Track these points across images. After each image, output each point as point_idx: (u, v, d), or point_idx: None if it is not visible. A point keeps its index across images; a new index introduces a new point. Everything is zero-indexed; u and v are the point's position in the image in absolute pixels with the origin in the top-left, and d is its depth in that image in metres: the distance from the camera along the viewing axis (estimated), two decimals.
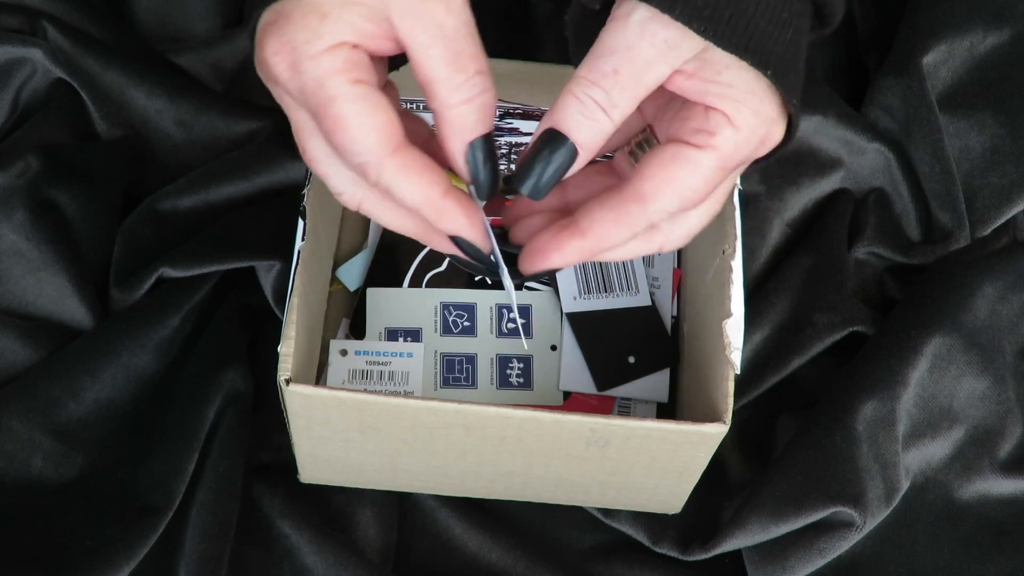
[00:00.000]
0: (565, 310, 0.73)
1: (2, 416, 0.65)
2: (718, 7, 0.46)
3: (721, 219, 0.62)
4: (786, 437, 0.70)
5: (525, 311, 0.74)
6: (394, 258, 0.75)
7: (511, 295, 0.53)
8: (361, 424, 0.60)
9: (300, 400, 0.58)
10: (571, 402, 0.72)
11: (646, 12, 0.46)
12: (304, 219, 0.61)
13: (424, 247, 0.75)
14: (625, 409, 0.72)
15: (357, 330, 0.73)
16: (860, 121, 0.77)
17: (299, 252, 0.60)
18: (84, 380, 0.67)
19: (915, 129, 0.76)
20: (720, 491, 0.70)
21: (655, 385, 0.72)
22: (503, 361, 0.73)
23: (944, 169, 0.75)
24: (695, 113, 0.49)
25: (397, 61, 0.51)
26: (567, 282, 0.74)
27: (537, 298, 0.74)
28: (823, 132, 0.77)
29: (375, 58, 0.48)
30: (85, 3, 0.79)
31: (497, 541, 0.69)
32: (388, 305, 0.73)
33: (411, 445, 0.62)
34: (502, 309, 0.74)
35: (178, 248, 0.72)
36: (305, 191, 0.62)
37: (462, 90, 0.47)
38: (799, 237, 0.77)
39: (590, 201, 0.50)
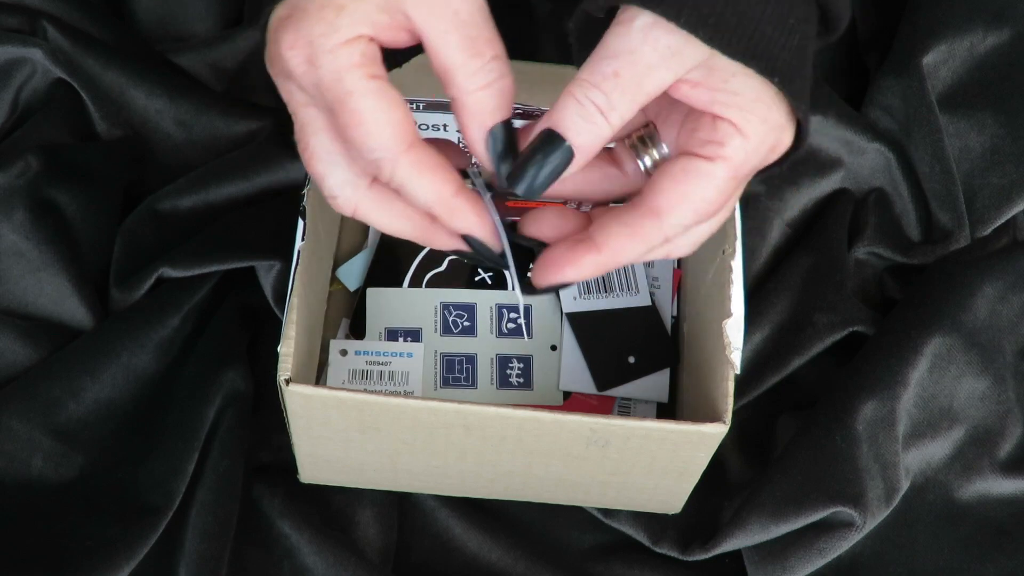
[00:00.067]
0: (565, 310, 0.73)
1: (2, 416, 0.65)
2: (724, 15, 0.45)
3: None
4: (786, 437, 0.70)
5: (526, 311, 0.74)
6: (394, 258, 0.75)
7: (518, 292, 0.52)
8: (361, 424, 0.60)
9: (300, 400, 0.58)
10: (571, 402, 0.72)
11: (650, 18, 0.46)
12: (304, 219, 0.61)
13: (424, 247, 0.75)
14: (625, 409, 0.72)
15: (357, 330, 0.73)
16: (860, 121, 0.77)
17: (299, 252, 0.60)
18: (84, 380, 0.67)
19: (915, 129, 0.76)
20: (720, 491, 0.70)
21: (655, 385, 0.72)
22: (503, 361, 0.73)
23: (944, 169, 0.75)
24: (703, 123, 0.48)
25: (398, 59, 0.51)
26: None
27: (537, 298, 0.74)
28: (823, 132, 0.77)
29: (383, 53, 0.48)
30: (85, 3, 0.79)
31: (497, 541, 0.69)
32: (388, 305, 0.73)
33: (411, 445, 0.62)
34: (502, 309, 0.74)
35: (178, 248, 0.72)
36: (305, 191, 0.62)
37: (479, 76, 0.47)
38: (799, 237, 0.77)
39: (605, 216, 0.50)
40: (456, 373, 0.72)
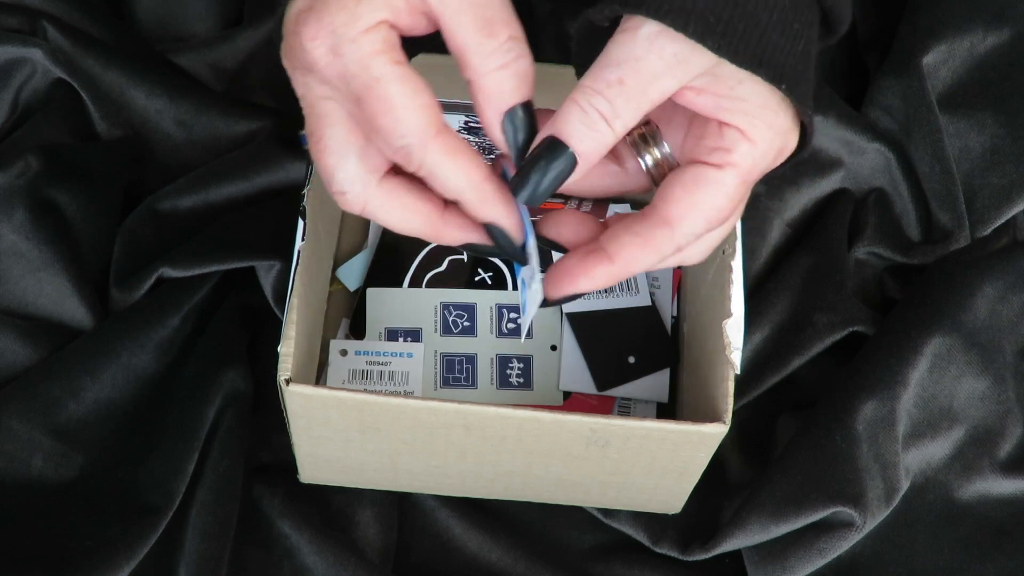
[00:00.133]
0: (565, 310, 0.73)
1: (2, 416, 0.65)
2: (731, 22, 0.45)
3: None
4: (786, 437, 0.70)
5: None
6: (394, 258, 0.75)
7: (537, 281, 0.51)
8: (361, 424, 0.60)
9: (300, 400, 0.58)
10: (571, 402, 0.72)
11: (655, 27, 0.46)
12: (304, 219, 0.61)
13: (424, 247, 0.75)
14: (625, 409, 0.72)
15: (357, 330, 0.73)
16: (860, 121, 0.77)
17: (299, 252, 0.60)
18: (84, 380, 0.68)
19: (915, 129, 0.76)
20: (720, 491, 0.70)
21: (655, 385, 0.72)
22: (503, 361, 0.73)
23: (944, 169, 0.75)
24: (709, 130, 0.48)
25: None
26: None
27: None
28: (823, 132, 0.77)
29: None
30: (85, 3, 0.79)
31: (497, 541, 0.69)
32: (388, 305, 0.73)
33: (411, 445, 0.62)
34: (502, 309, 0.74)
35: (178, 248, 0.72)
36: (305, 191, 0.62)
37: (495, 56, 0.47)
38: (799, 237, 0.77)
39: (616, 226, 0.49)
40: (456, 373, 0.72)
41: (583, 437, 0.59)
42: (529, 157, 0.48)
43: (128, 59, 0.77)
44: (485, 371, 0.72)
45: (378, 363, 0.71)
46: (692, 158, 0.49)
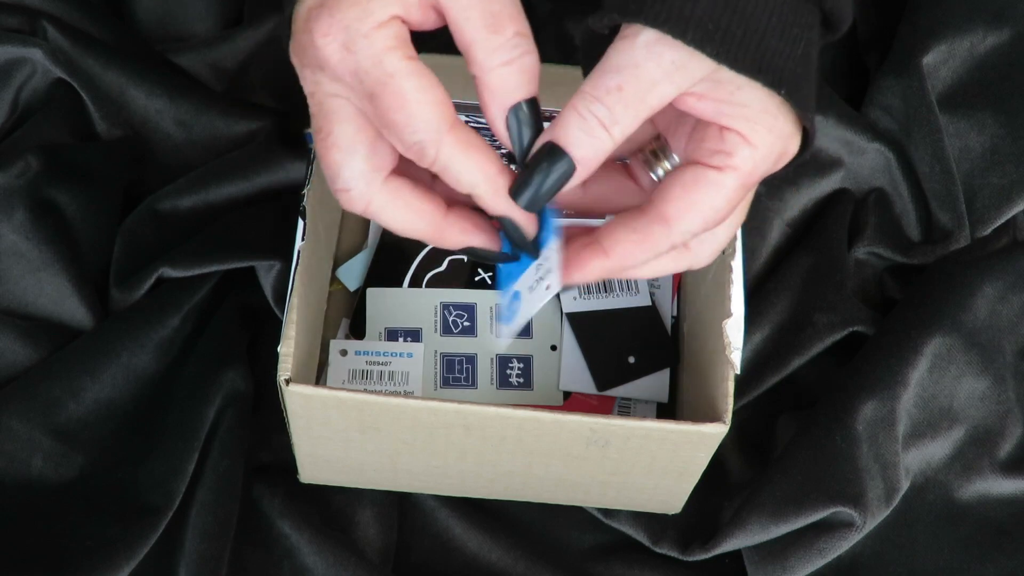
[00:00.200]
0: (565, 310, 0.73)
1: (2, 416, 0.65)
2: (729, 29, 0.45)
3: None
4: (786, 437, 0.70)
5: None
6: (394, 258, 0.75)
7: (555, 276, 0.51)
8: (361, 424, 0.60)
9: (300, 400, 0.58)
10: (571, 402, 0.72)
11: (654, 34, 0.46)
12: (304, 219, 0.61)
13: (424, 247, 0.75)
14: (625, 409, 0.72)
15: (357, 330, 0.73)
16: (860, 121, 0.77)
17: (299, 252, 0.60)
18: (84, 380, 0.67)
19: (915, 129, 0.76)
20: (720, 491, 0.70)
21: (655, 385, 0.72)
22: (503, 361, 0.73)
23: (944, 169, 0.75)
24: (710, 134, 0.48)
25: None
26: None
27: None
28: (823, 132, 0.77)
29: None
30: (85, 3, 0.79)
31: (497, 541, 0.69)
32: (388, 305, 0.73)
33: (411, 445, 0.62)
34: None
35: (178, 248, 0.72)
36: (305, 191, 0.62)
37: (500, 52, 0.47)
38: (799, 237, 0.77)
39: (613, 221, 0.50)
40: (456, 373, 0.72)
41: (583, 437, 0.59)
42: (529, 163, 0.48)
43: (128, 59, 0.77)
44: (485, 371, 0.72)
45: (378, 363, 0.71)
46: (693, 159, 0.49)
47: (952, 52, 0.76)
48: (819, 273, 0.74)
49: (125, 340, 0.69)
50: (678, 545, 0.68)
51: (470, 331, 0.73)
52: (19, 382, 0.67)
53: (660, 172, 0.52)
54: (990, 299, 0.71)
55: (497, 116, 0.48)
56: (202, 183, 0.75)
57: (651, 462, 0.61)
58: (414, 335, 0.73)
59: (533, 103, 0.48)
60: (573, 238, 0.51)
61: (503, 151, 0.58)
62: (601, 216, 0.55)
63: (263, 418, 0.69)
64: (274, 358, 0.58)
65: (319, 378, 0.71)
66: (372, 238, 0.76)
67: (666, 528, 0.69)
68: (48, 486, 0.65)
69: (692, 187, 0.48)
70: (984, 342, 0.70)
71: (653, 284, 0.75)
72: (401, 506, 0.70)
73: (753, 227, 0.76)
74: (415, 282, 0.74)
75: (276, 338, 0.59)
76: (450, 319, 0.73)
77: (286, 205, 0.74)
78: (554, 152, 0.47)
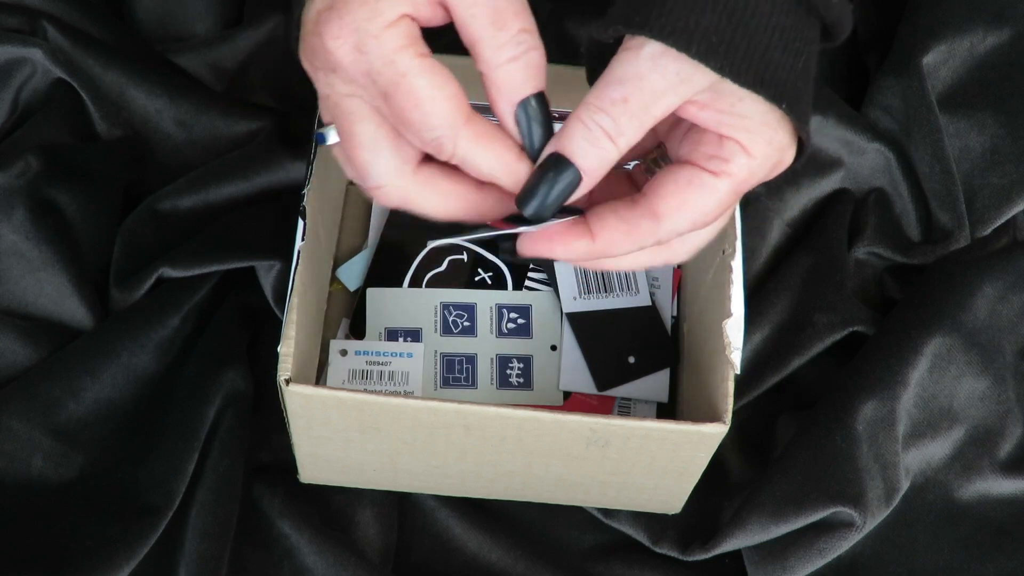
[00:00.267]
0: (565, 310, 0.73)
1: (2, 416, 0.65)
2: (732, 42, 0.45)
3: None
4: (786, 437, 0.70)
5: (525, 311, 0.74)
6: (394, 258, 0.75)
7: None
8: (361, 424, 0.60)
9: (300, 400, 0.58)
10: (571, 402, 0.72)
11: (658, 47, 0.46)
12: (304, 219, 0.61)
13: (424, 247, 0.75)
14: (625, 409, 0.72)
15: (357, 330, 0.73)
16: (860, 121, 0.77)
17: (299, 252, 0.60)
18: (84, 380, 0.67)
19: (915, 129, 0.76)
20: (720, 491, 0.70)
21: (655, 385, 0.72)
22: (503, 361, 0.73)
23: (944, 169, 0.75)
24: (708, 139, 0.49)
25: None
26: (567, 282, 0.74)
27: (537, 298, 0.74)
28: (823, 132, 0.77)
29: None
30: (85, 3, 0.79)
31: (497, 541, 0.69)
32: (388, 305, 0.73)
33: (411, 445, 0.62)
34: (502, 309, 0.74)
35: (178, 248, 0.72)
36: (305, 191, 0.62)
37: (506, 48, 0.47)
38: (799, 237, 0.77)
39: (604, 207, 0.50)
40: (456, 373, 0.72)
41: (583, 437, 0.59)
42: (535, 173, 0.49)
43: (128, 59, 0.77)
44: (485, 371, 0.72)
45: (378, 363, 0.71)
46: (688, 160, 0.49)
47: (952, 52, 0.76)
48: (819, 273, 0.74)
49: (125, 340, 0.69)
50: (678, 545, 0.68)
51: (470, 331, 0.73)
52: (19, 382, 0.67)
53: None
54: (990, 299, 0.71)
55: (506, 112, 0.48)
56: (202, 183, 0.75)
57: (651, 462, 0.61)
58: (414, 335, 0.73)
59: (541, 97, 0.49)
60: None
61: None
62: None
63: (263, 418, 0.69)
64: (274, 358, 0.58)
65: (319, 378, 0.71)
66: (372, 238, 0.76)
67: (666, 528, 0.69)
68: (48, 486, 0.65)
69: (686, 188, 0.49)
70: (984, 342, 0.70)
71: (653, 284, 0.75)
72: (401, 506, 0.70)
73: (753, 227, 0.76)
74: (415, 282, 0.74)
75: (276, 338, 0.59)
76: (450, 319, 0.73)
77: (286, 205, 0.74)
78: (560, 163, 0.48)
